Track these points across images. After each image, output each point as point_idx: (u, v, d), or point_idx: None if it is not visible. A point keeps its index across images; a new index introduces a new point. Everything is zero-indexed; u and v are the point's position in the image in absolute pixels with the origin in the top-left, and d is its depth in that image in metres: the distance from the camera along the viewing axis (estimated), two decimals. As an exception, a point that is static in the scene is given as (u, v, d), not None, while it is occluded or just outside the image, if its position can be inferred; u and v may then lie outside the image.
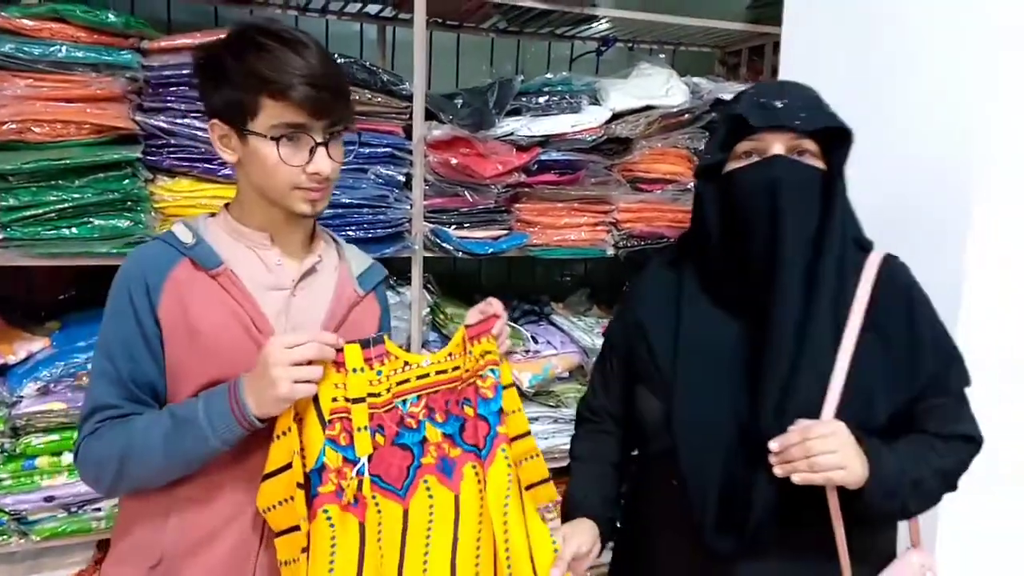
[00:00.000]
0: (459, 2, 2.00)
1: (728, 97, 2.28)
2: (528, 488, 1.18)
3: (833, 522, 1.03)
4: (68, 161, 1.57)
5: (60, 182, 1.58)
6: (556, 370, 2.18)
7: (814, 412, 1.03)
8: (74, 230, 1.62)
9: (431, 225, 1.98)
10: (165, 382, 1.08)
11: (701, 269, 1.18)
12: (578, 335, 2.31)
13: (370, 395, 1.07)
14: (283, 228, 1.15)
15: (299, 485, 1.00)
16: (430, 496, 1.11)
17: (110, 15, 1.57)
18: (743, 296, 1.11)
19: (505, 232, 2.08)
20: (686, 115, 2.20)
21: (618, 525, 1.30)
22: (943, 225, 1.48)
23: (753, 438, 1.04)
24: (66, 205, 1.59)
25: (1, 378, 1.70)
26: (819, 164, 1.09)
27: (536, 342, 2.23)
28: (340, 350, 1.05)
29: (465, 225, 2.02)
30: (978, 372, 1.14)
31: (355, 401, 1.04)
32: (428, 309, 2.05)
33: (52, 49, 1.54)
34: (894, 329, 1.09)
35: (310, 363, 1.00)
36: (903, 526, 1.19)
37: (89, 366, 1.67)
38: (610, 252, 2.20)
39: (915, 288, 1.14)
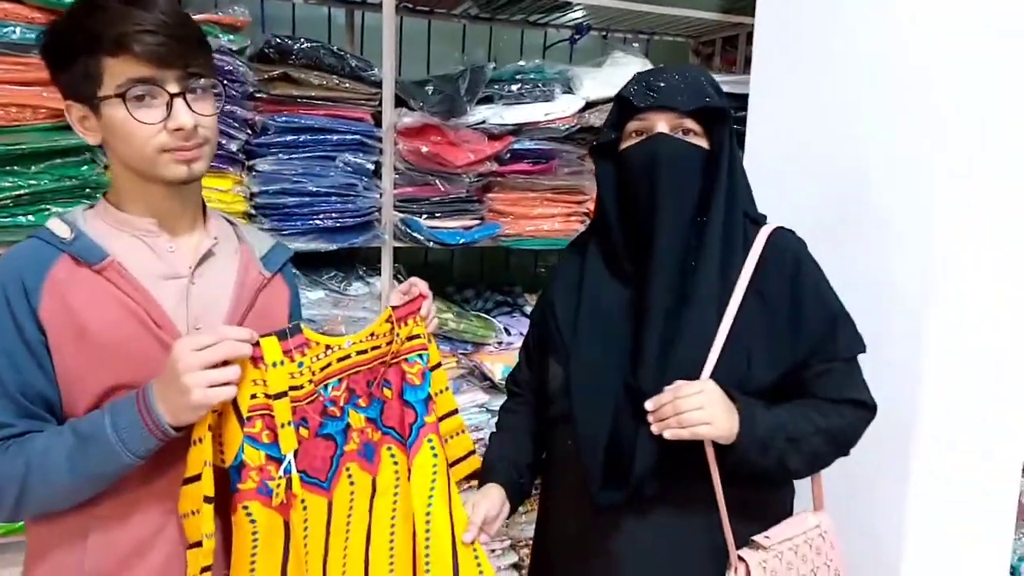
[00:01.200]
0: (431, -13, 1.96)
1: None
2: (453, 464, 1.21)
3: (713, 477, 1.09)
4: (24, 146, 1.51)
5: (16, 168, 1.53)
6: (529, 361, 2.16)
7: (695, 372, 1.09)
8: (31, 217, 1.56)
9: (401, 214, 1.94)
10: (58, 392, 0.98)
11: (603, 244, 1.24)
12: (551, 326, 2.29)
13: (291, 388, 1.01)
14: (166, 207, 1.05)
15: (207, 499, 0.95)
16: (351, 483, 1.08)
17: (66, -5, 1.52)
18: (633, 265, 1.18)
19: (477, 222, 2.06)
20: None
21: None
22: (914, 218, 1.49)
23: (636, 397, 1.10)
24: (22, 192, 1.53)
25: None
26: (701, 142, 1.15)
27: (509, 333, 2.21)
28: (256, 344, 0.98)
29: (436, 215, 2.00)
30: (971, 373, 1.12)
31: (276, 397, 0.99)
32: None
33: (5, 30, 1.48)
34: (776, 294, 1.14)
35: (225, 363, 0.94)
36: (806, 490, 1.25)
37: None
38: (583, 242, 2.18)
39: (801, 255, 1.19)
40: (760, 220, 1.20)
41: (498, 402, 2.14)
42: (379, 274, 1.97)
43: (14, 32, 1.49)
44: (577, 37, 2.48)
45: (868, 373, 1.20)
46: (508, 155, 2.03)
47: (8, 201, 1.53)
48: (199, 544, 0.96)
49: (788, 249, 1.18)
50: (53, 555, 1.01)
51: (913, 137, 1.48)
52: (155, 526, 1.01)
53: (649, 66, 2.21)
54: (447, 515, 1.10)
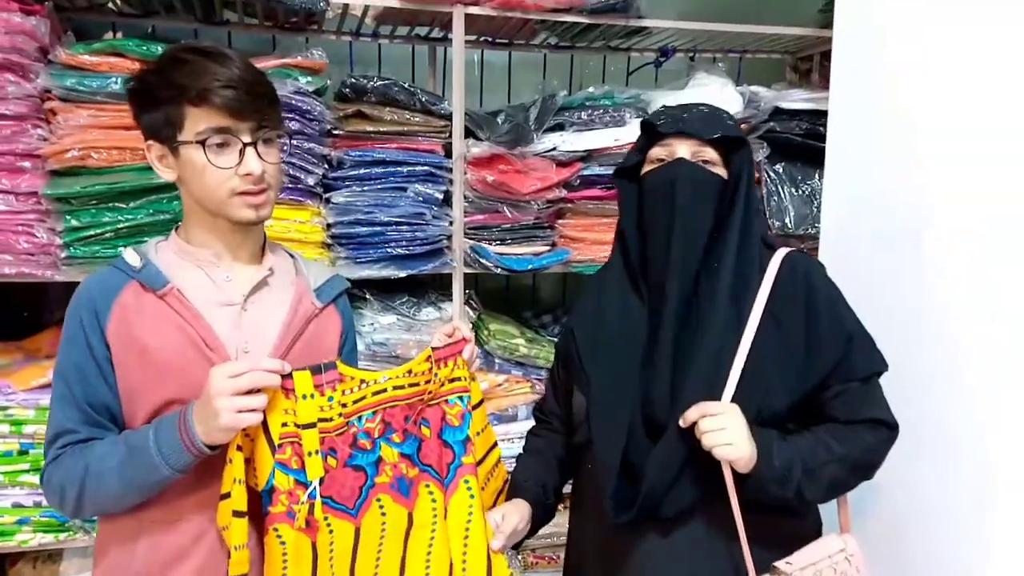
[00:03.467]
0: (502, 21, 2.01)
1: (789, 105, 2.18)
2: (498, 496, 1.27)
3: (732, 502, 1.09)
4: (124, 184, 1.69)
5: (116, 204, 1.71)
6: (603, 388, 2.14)
7: (710, 395, 1.10)
8: (132, 249, 1.74)
9: (471, 242, 1.99)
10: (120, 404, 1.09)
11: (623, 269, 1.26)
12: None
13: (321, 420, 1.07)
14: (230, 241, 1.14)
15: (236, 514, 1.01)
16: (383, 513, 1.12)
17: (159, 47, 1.69)
18: (650, 287, 1.20)
19: (548, 248, 2.07)
20: (741, 125, 2.11)
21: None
22: (1005, 224, 1.35)
23: (648, 422, 1.14)
24: (122, 225, 1.71)
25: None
26: (719, 170, 1.18)
27: (584, 359, 2.19)
28: (288, 376, 1.05)
29: (507, 241, 2.02)
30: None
31: (305, 427, 1.05)
32: (470, 325, 2.06)
33: (108, 81, 1.67)
34: (791, 318, 1.15)
35: (258, 391, 1.00)
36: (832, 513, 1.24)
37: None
38: (661, 268, 2.14)
39: (815, 276, 1.19)
40: (774, 245, 1.22)
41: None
42: (451, 299, 2.02)
43: (116, 83, 1.67)
44: (662, 60, 2.44)
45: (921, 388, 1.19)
46: (578, 181, 2.03)
47: (110, 233, 1.71)
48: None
49: (801, 272, 1.18)
50: (110, 553, 1.13)
51: (1005, 146, 1.35)
52: (196, 532, 1.10)
53: (730, 88, 2.17)
54: (484, 555, 1.12)
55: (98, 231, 1.70)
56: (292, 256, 1.27)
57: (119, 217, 1.71)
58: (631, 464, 1.14)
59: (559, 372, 1.39)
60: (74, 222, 1.69)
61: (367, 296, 2.01)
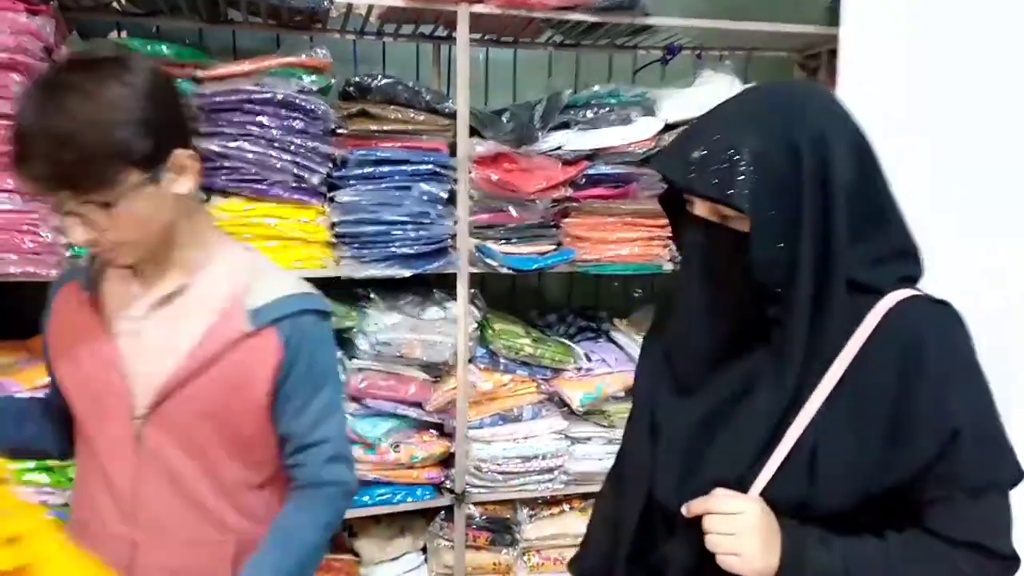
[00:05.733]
0: (508, 19, 2.00)
1: (796, 103, 2.16)
2: None
3: None
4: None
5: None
6: (608, 389, 2.13)
7: (733, 482, 0.90)
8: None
9: (476, 240, 1.98)
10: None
11: None
12: (638, 353, 2.24)
13: None
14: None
15: None
16: None
17: (164, 47, 1.69)
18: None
19: (553, 247, 2.06)
20: (747, 124, 2.10)
21: None
22: (1012, 233, 1.34)
23: (658, 505, 0.97)
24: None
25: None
26: (742, 227, 0.89)
27: (590, 360, 2.18)
28: None
29: (512, 240, 2.02)
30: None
31: None
32: (476, 325, 2.05)
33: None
34: (877, 390, 0.87)
35: None
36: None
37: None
38: (667, 267, 2.13)
39: (929, 338, 0.87)
40: (881, 289, 0.89)
41: (577, 429, 2.14)
42: (455, 299, 2.01)
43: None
44: (668, 58, 2.42)
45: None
46: (584, 180, 2.02)
47: (115, 233, 1.71)
48: None
49: (909, 329, 0.87)
50: None
51: (1005, 148, 1.33)
52: None
53: (737, 86, 2.15)
54: None
55: (102, 231, 1.70)
56: (243, 266, 1.13)
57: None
58: (650, 540, 1.00)
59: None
60: (78, 221, 1.68)
61: (372, 295, 2.01)
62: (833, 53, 2.44)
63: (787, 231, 0.86)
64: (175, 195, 1.02)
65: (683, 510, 0.91)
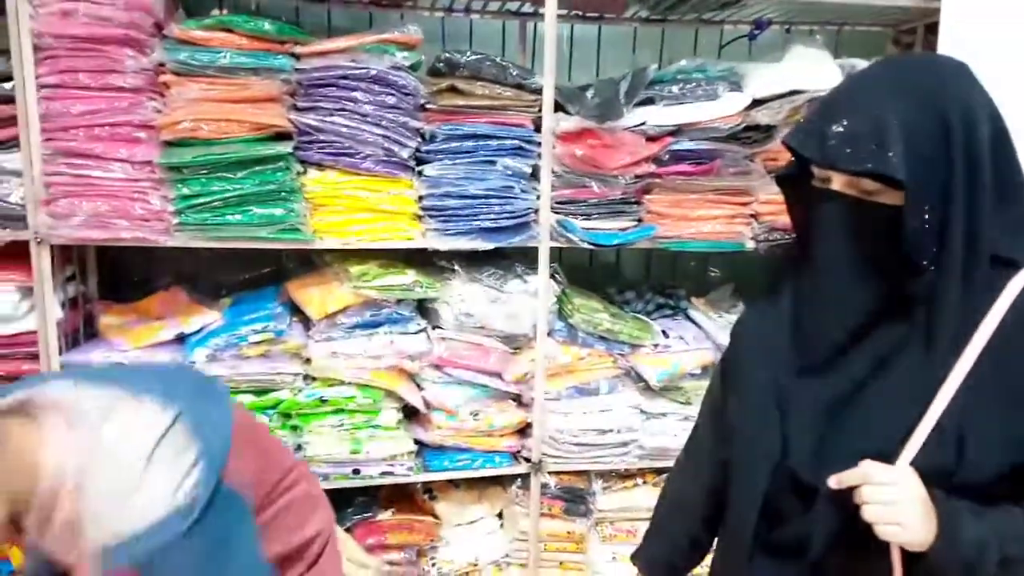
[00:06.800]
0: (595, -7, 2.01)
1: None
2: None
3: None
4: (231, 155, 1.77)
5: (225, 174, 1.79)
6: (686, 366, 2.14)
7: (880, 455, 0.91)
8: (238, 217, 1.83)
9: (558, 216, 2.01)
10: None
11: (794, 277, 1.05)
12: (715, 332, 2.24)
13: None
14: None
15: None
16: None
17: (266, 23, 1.76)
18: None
19: (634, 224, 2.06)
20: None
21: None
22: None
23: (792, 478, 0.97)
24: (230, 195, 1.80)
25: (179, 345, 1.96)
26: (885, 199, 0.90)
27: (667, 336, 2.19)
28: None
29: (593, 216, 2.03)
30: None
31: None
32: (555, 299, 2.09)
33: (218, 56, 1.75)
34: (1022, 363, 0.88)
35: None
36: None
37: (250, 339, 1.92)
38: (749, 245, 2.11)
39: None
40: (1019, 261, 0.91)
41: (652, 404, 2.16)
42: (536, 273, 2.04)
43: (225, 57, 1.76)
44: (756, 33, 2.38)
45: None
46: (667, 156, 2.02)
47: (219, 202, 1.80)
48: None
49: None
50: None
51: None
52: None
53: (828, 62, 2.10)
54: None
55: (207, 199, 1.79)
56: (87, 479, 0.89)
57: (227, 187, 1.79)
58: (776, 513, 1.00)
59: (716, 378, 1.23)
60: (185, 190, 1.78)
61: (455, 267, 2.06)
62: (930, 28, 2.36)
63: (935, 204, 0.87)
64: None
65: (831, 482, 0.91)
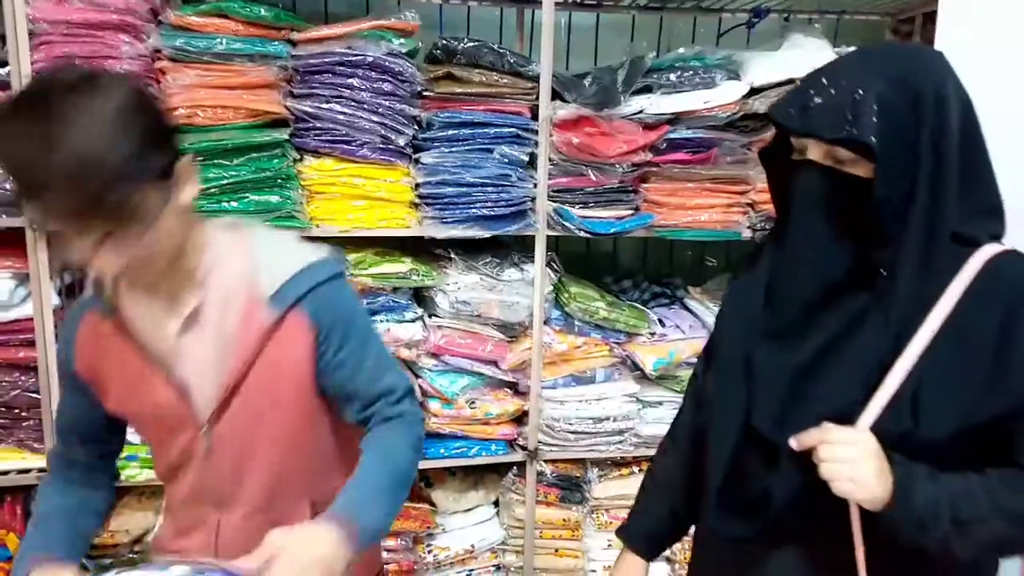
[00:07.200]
0: (593, -19, 2.00)
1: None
2: None
3: (855, 542, 0.96)
4: (228, 142, 1.77)
5: (221, 161, 1.79)
6: (682, 355, 2.14)
7: (841, 416, 0.94)
8: (234, 204, 1.83)
9: (555, 204, 2.01)
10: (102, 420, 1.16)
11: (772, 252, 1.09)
12: (712, 320, 2.24)
13: None
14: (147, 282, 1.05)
15: None
16: None
17: (262, 10, 1.76)
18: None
19: (630, 212, 2.06)
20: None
21: None
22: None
23: (754, 437, 1.01)
24: (226, 182, 1.80)
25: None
26: (856, 170, 0.94)
27: (663, 325, 2.20)
28: None
29: (590, 204, 2.03)
30: None
31: None
32: (551, 287, 2.09)
33: (214, 42, 1.75)
34: (979, 331, 0.92)
35: None
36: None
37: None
38: (746, 234, 2.11)
39: None
40: (979, 240, 0.95)
41: (648, 392, 2.17)
42: (533, 261, 2.04)
43: (221, 43, 1.75)
44: (755, 21, 2.37)
45: None
46: (664, 145, 2.02)
47: (215, 189, 1.80)
48: None
49: (1011, 280, 0.93)
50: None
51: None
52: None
53: (826, 50, 2.10)
54: None
55: (204, 186, 1.78)
56: (243, 257, 1.08)
57: (223, 173, 1.79)
58: (741, 474, 1.04)
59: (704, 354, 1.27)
60: (181, 177, 1.77)
61: (452, 255, 2.06)
62: (928, 17, 2.36)
63: (903, 177, 0.92)
64: (185, 205, 1.00)
65: (792, 442, 0.96)
